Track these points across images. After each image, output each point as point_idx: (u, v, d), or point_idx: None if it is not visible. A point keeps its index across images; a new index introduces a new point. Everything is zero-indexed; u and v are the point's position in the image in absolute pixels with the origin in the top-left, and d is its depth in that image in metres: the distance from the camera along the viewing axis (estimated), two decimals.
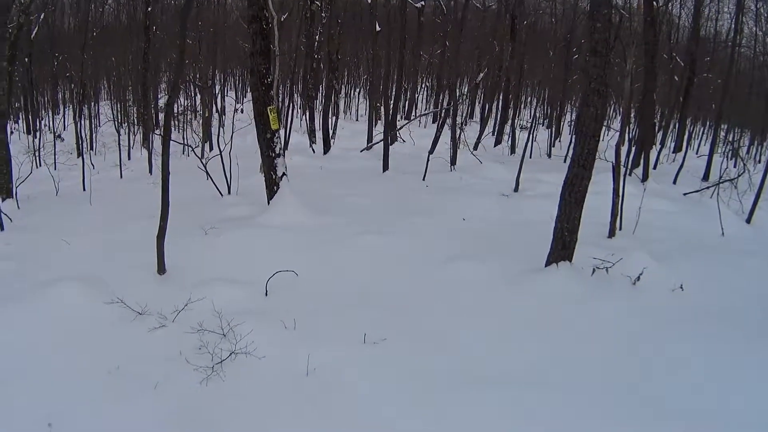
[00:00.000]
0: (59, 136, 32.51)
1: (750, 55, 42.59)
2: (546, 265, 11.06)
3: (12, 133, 33.73)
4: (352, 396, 7.47)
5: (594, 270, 10.79)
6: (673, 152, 33.23)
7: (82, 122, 31.09)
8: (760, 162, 32.40)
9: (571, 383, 7.78)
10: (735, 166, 25.65)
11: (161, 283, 10.67)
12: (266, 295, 10.21)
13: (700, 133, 44.88)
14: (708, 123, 44.31)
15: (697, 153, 33.82)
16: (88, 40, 34.75)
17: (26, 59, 39.21)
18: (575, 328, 9.27)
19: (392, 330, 8.91)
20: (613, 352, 8.64)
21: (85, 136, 30.87)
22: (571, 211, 10.75)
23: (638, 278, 10.51)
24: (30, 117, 41.75)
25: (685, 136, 36.19)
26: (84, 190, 19.06)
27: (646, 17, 22.35)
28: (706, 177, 23.51)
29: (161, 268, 10.91)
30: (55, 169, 24.64)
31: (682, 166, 23.60)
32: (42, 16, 38.12)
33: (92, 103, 39.12)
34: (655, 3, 23.91)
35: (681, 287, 10.42)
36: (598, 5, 10.29)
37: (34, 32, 38.31)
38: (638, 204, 14.31)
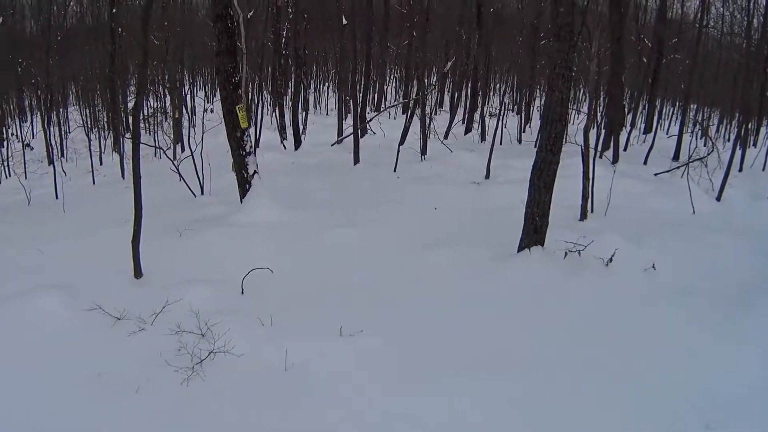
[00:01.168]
0: (28, 144, 32.27)
1: (717, 35, 42.84)
2: (518, 251, 11.20)
3: None
4: (331, 389, 7.57)
5: (566, 253, 10.92)
6: (643, 133, 33.35)
7: (51, 129, 30.94)
8: (729, 140, 32.53)
9: (547, 367, 7.92)
10: (705, 145, 25.94)
11: (138, 286, 10.69)
12: (242, 293, 10.27)
13: (670, 114, 45.08)
14: (677, 103, 44.43)
15: (667, 133, 33.94)
16: (52, 44, 34.51)
17: None
18: (550, 312, 9.42)
19: (368, 321, 9.02)
20: (588, 333, 8.79)
21: (55, 143, 30.70)
22: (540, 195, 10.87)
23: (611, 259, 10.65)
24: None
25: (655, 117, 36.34)
26: (57, 198, 18.98)
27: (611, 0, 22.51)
28: (676, 157, 23.66)
29: (137, 272, 10.94)
30: (25, 178, 24.44)
31: (652, 146, 23.77)
32: (0, 20, 37.73)
33: (60, 109, 38.84)
34: None
35: (653, 266, 10.57)
36: None
37: None
38: (609, 186, 14.46)
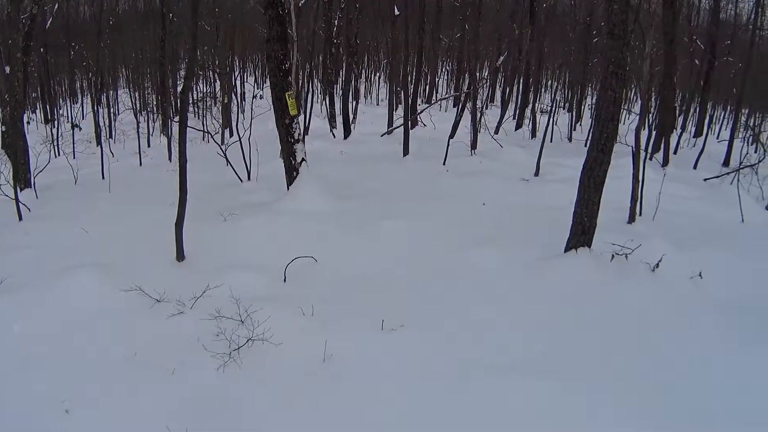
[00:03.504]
0: (77, 125, 32.48)
1: None
2: (565, 251, 10.97)
3: (29, 122, 33.90)
4: (368, 383, 7.45)
5: (613, 256, 10.68)
6: (693, 137, 32.87)
7: (101, 110, 31.13)
8: None
9: (587, 372, 7.71)
10: (756, 152, 25.33)
11: (179, 269, 10.66)
12: (285, 281, 10.17)
13: (721, 118, 44.37)
14: (729, 107, 43.78)
15: (717, 138, 33.42)
16: (103, 28, 34.75)
17: (41, 49, 39.25)
18: (594, 316, 9.18)
19: (410, 316, 8.90)
20: (631, 340, 8.55)
21: (104, 124, 30.89)
22: (590, 196, 10.64)
23: (657, 265, 10.39)
24: (47, 106, 41.89)
25: (706, 121, 35.81)
26: (103, 178, 19.03)
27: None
28: (726, 162, 23.23)
29: (180, 255, 10.89)
30: (74, 158, 24.65)
31: (702, 151, 23.32)
32: (56, 6, 38.04)
33: (110, 91, 39.18)
34: None
35: (699, 275, 10.27)
36: None
37: (49, 22, 38.33)
38: (658, 189, 14.14)
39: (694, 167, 21.83)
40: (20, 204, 14.28)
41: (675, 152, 25.20)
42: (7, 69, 18.67)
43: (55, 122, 33.94)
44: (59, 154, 26.19)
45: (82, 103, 46.41)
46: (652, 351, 8.29)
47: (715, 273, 10.39)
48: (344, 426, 6.77)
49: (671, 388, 7.41)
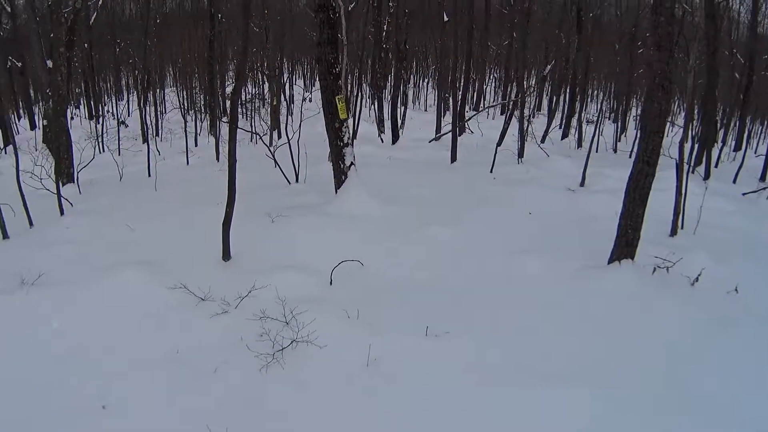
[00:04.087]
0: (123, 122, 32.76)
1: None
2: (609, 262, 10.87)
3: (73, 118, 34.21)
4: (412, 389, 7.40)
5: (655, 269, 10.59)
6: (733, 151, 32.54)
7: (147, 109, 31.34)
8: None
9: (626, 383, 7.59)
10: None
11: (226, 269, 10.69)
12: (331, 283, 10.14)
13: (759, 132, 43.94)
14: (766, 122, 43.40)
15: (755, 152, 33.08)
16: (150, 26, 34.99)
17: (86, 45, 39.55)
18: (633, 329, 9.03)
19: (455, 323, 8.80)
20: (669, 353, 8.42)
21: (151, 122, 31.08)
22: (635, 208, 10.54)
23: (697, 279, 10.28)
24: (92, 102, 42.25)
25: (745, 135, 35.42)
26: (149, 175, 19.15)
27: (707, 13, 21.88)
28: (763, 177, 22.81)
29: (226, 255, 10.91)
30: (119, 154, 24.80)
31: (741, 165, 22.96)
32: (100, 2, 38.35)
33: (157, 90, 39.43)
34: None
35: (735, 290, 10.15)
36: None
37: (93, 18, 38.64)
38: (700, 203, 13.98)
39: (734, 181, 21.53)
40: (62, 198, 14.40)
41: (716, 166, 24.86)
42: (50, 63, 18.83)
43: (100, 118, 34.20)
44: (104, 151, 26.32)
45: (127, 100, 46.78)
46: (689, 364, 8.16)
47: (752, 288, 10.28)
48: None
49: (704, 398, 7.32)
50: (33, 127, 37.66)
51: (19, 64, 38.46)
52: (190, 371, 7.65)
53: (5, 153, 27.74)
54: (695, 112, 29.12)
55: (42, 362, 7.88)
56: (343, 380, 7.54)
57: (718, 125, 32.00)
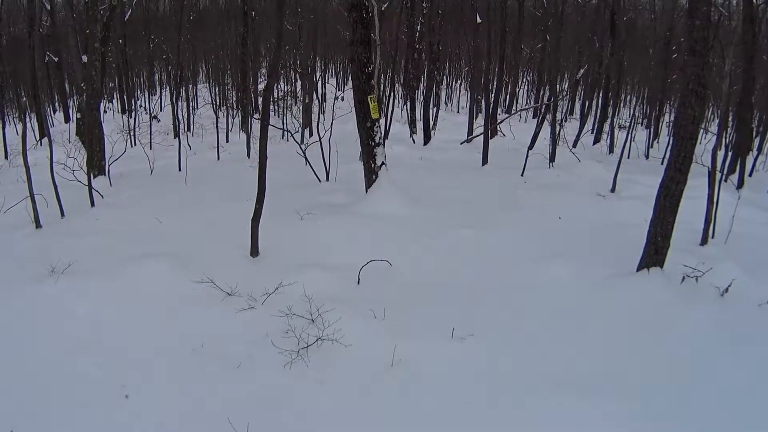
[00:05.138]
0: (155, 116, 32.99)
1: None
2: (638, 270, 10.73)
3: (105, 112, 34.52)
4: (436, 390, 7.38)
5: (684, 278, 10.40)
6: None
7: (180, 104, 31.48)
8: None
9: (652, 395, 7.50)
10: None
11: (253, 265, 10.72)
12: (358, 283, 10.12)
13: None
14: None
15: None
16: (183, 23, 35.18)
17: (120, 40, 39.94)
18: (660, 338, 8.93)
19: (480, 326, 8.77)
20: (696, 367, 8.30)
21: (182, 117, 31.22)
22: (665, 215, 10.40)
23: (726, 290, 10.11)
24: (125, 97, 42.68)
25: None
26: (180, 170, 19.26)
27: (745, 16, 21.64)
28: None
29: (254, 251, 10.94)
30: (150, 148, 24.91)
31: None
32: None
33: (190, 85, 39.64)
34: (754, 1, 23.11)
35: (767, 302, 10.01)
36: (698, 2, 9.86)
37: (128, 14, 39.02)
38: (732, 212, 13.80)
39: None
40: (93, 190, 14.52)
41: (750, 174, 24.54)
42: (84, 58, 19.01)
43: (133, 113, 34.48)
44: (135, 144, 26.49)
45: (160, 95, 47.11)
46: (714, 378, 8.03)
47: None
48: None
49: (730, 414, 7.24)
50: (67, 120, 38.19)
51: (56, 59, 38.97)
52: (215, 364, 7.71)
53: (41, 145, 27.98)
54: (730, 119, 28.86)
55: (67, 350, 7.98)
56: (367, 380, 7.54)
57: (754, 133, 31.65)
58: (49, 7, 37.90)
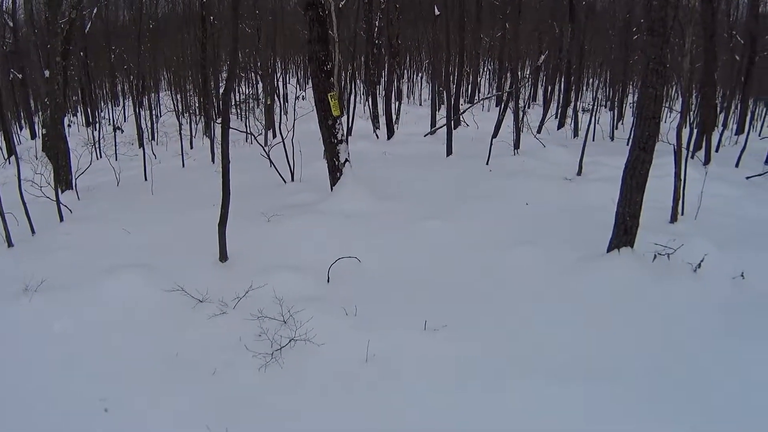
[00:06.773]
0: (119, 127, 32.88)
1: None
2: (608, 251, 10.80)
3: (70, 125, 34.39)
4: (411, 383, 7.43)
5: (655, 256, 10.48)
6: (735, 134, 32.35)
7: (142, 113, 31.37)
8: None
9: (625, 375, 7.56)
10: None
11: (223, 270, 10.71)
12: (328, 281, 10.15)
13: (763, 114, 43.74)
14: None
15: (759, 135, 32.88)
16: (143, 32, 35.09)
17: (81, 53, 39.80)
18: (635, 318, 8.99)
19: (453, 317, 8.82)
20: (670, 344, 8.35)
21: (146, 126, 31.14)
22: (632, 195, 10.47)
23: (699, 265, 10.16)
24: (88, 110, 42.51)
25: (747, 117, 35.22)
26: (146, 179, 19.17)
27: None
28: None
29: (223, 256, 10.93)
30: (116, 160, 24.80)
31: (744, 148, 22.73)
32: (95, 11, 38.62)
33: (152, 94, 39.54)
34: None
35: (742, 275, 10.08)
36: None
37: (88, 26, 38.89)
38: (700, 188, 13.91)
39: (736, 165, 21.37)
40: (61, 205, 14.49)
41: (717, 150, 24.66)
42: (47, 73, 18.92)
43: (97, 125, 34.28)
44: (101, 156, 26.36)
45: (123, 106, 46.93)
46: (690, 354, 8.09)
47: (758, 273, 10.14)
48: (386, 427, 6.77)
49: (698, 387, 7.31)
50: (33, 136, 37.98)
51: (20, 76, 38.83)
52: (190, 373, 7.70)
53: (9, 163, 27.81)
54: (693, 96, 29.03)
55: (44, 366, 7.96)
56: (342, 377, 7.58)
57: (718, 109, 31.89)
58: (11, 24, 37.75)
